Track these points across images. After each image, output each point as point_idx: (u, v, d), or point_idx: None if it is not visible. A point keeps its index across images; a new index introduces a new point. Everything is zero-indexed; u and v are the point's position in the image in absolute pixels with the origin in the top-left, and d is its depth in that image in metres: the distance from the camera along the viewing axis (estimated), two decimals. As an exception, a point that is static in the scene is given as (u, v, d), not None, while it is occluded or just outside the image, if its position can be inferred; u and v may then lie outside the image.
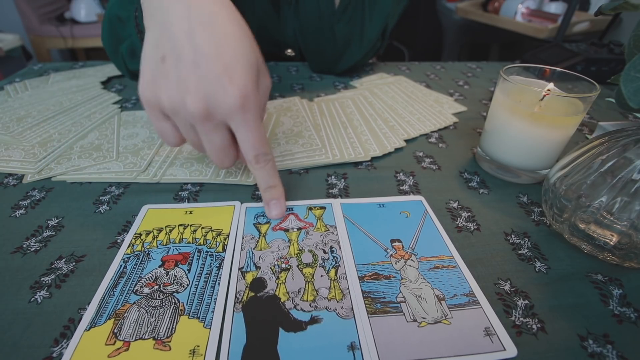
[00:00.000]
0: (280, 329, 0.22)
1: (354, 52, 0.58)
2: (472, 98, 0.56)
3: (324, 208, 0.32)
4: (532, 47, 0.69)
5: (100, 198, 0.33)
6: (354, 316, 0.23)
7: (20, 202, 0.32)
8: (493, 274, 0.27)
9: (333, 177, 0.37)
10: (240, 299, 0.24)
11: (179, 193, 0.34)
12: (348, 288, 0.25)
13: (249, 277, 0.26)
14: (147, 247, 0.28)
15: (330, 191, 0.35)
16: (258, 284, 0.25)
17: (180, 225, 0.30)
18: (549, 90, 0.33)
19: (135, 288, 0.25)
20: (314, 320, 0.23)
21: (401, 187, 0.36)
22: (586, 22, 1.50)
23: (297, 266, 0.26)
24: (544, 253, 0.29)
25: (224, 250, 0.28)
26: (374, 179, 0.37)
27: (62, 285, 0.25)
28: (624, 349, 0.22)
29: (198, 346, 0.21)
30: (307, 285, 0.25)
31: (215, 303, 0.24)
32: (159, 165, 0.37)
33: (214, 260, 0.27)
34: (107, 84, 0.56)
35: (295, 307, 0.24)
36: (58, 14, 1.93)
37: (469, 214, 0.33)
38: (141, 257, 0.27)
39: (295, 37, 0.62)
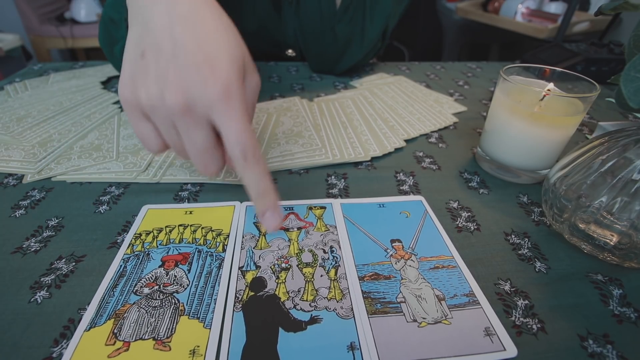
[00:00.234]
0: (280, 328, 0.22)
1: (354, 53, 0.58)
2: (472, 98, 0.56)
3: (324, 208, 0.32)
4: (532, 47, 0.69)
5: (100, 198, 0.33)
6: (354, 316, 0.23)
7: (20, 202, 0.32)
8: (493, 274, 0.27)
9: (333, 177, 0.37)
10: (240, 298, 0.24)
11: (179, 193, 0.34)
12: (348, 288, 0.25)
13: (249, 277, 0.26)
14: (147, 247, 0.28)
15: (330, 191, 0.35)
16: (258, 284, 0.25)
17: (180, 225, 0.30)
18: (549, 90, 0.33)
19: (135, 288, 0.25)
20: (313, 320, 0.23)
21: (401, 187, 0.36)
22: (586, 22, 1.50)
23: (297, 266, 0.26)
24: (544, 253, 0.29)
25: (224, 250, 0.28)
26: (374, 179, 0.37)
27: (62, 286, 0.25)
28: (624, 349, 0.22)
29: (198, 346, 0.21)
30: (307, 285, 0.25)
31: (215, 303, 0.24)
32: (159, 166, 0.37)
33: (214, 260, 0.27)
34: (107, 84, 0.56)
35: (295, 306, 0.24)
36: (58, 14, 1.93)
37: (469, 214, 0.33)
38: (141, 257, 0.27)
39: (296, 38, 0.62)
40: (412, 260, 0.27)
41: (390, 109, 0.50)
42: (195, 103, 0.23)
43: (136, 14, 0.26)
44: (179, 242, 0.28)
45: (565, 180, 0.28)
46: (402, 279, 0.26)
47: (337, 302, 0.24)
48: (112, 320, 0.22)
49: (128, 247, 0.28)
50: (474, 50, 2.19)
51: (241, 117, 0.24)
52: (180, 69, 0.23)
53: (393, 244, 0.28)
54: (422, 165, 0.39)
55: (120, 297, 0.24)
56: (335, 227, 0.30)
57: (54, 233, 0.29)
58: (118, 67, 0.51)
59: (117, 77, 0.58)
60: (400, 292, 0.25)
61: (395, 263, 0.27)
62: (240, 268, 0.26)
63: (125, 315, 0.23)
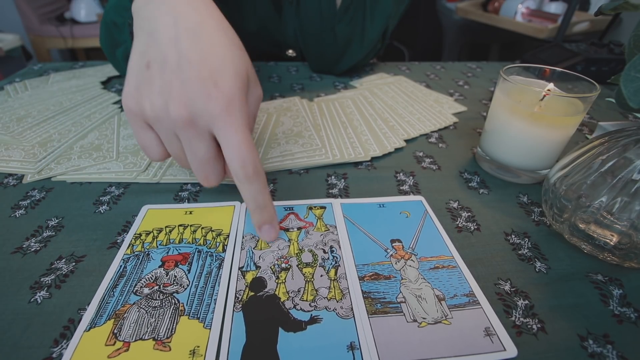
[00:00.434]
0: (280, 328, 0.22)
1: (354, 53, 0.58)
2: (472, 98, 0.56)
3: (324, 208, 0.32)
4: (532, 47, 0.69)
5: (100, 198, 0.33)
6: (354, 316, 0.23)
7: (20, 202, 0.32)
8: (493, 274, 0.27)
9: (333, 177, 0.37)
10: (240, 299, 0.24)
11: (179, 193, 0.34)
12: (348, 288, 0.25)
13: (249, 277, 0.26)
14: (147, 247, 0.28)
15: (330, 191, 0.35)
16: (258, 284, 0.25)
17: (180, 225, 0.30)
18: (549, 90, 0.33)
19: (135, 288, 0.25)
20: (313, 320, 0.23)
21: (401, 187, 0.36)
22: (586, 22, 1.50)
23: (297, 266, 0.26)
24: (544, 253, 0.29)
25: (224, 250, 0.28)
26: (374, 179, 0.37)
27: (62, 286, 0.25)
28: (624, 349, 0.22)
29: (198, 347, 0.21)
30: (306, 285, 0.25)
31: (215, 303, 0.24)
32: (159, 166, 0.37)
33: (214, 260, 0.27)
34: (107, 84, 0.56)
35: (295, 306, 0.24)
36: (58, 14, 1.93)
37: (469, 214, 0.33)
38: (141, 257, 0.27)
39: (296, 38, 0.62)
40: (412, 260, 0.27)
41: (390, 109, 0.50)
42: (198, 116, 0.24)
43: (142, 23, 0.26)
44: (179, 242, 0.28)
45: (565, 180, 0.28)
46: (402, 279, 0.26)
47: (337, 302, 0.24)
48: (112, 320, 0.22)
49: (128, 247, 0.28)
50: (474, 50, 2.19)
51: (241, 132, 0.24)
52: (184, 83, 0.24)
53: (393, 244, 0.28)
54: (422, 165, 0.39)
55: (120, 298, 0.24)
56: (335, 227, 0.30)
57: (54, 233, 0.29)
58: (119, 68, 0.51)
59: (118, 77, 0.58)
60: (400, 292, 0.25)
61: (395, 263, 0.27)
62: (240, 268, 0.26)
63: (125, 316, 0.23)
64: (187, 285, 0.25)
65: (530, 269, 0.27)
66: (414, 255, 0.28)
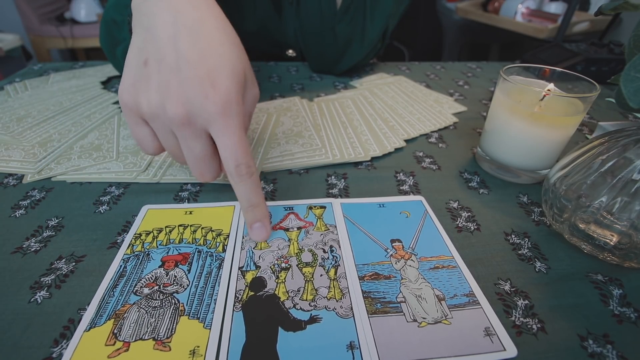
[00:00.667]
0: (280, 328, 0.22)
1: (354, 53, 0.58)
2: (472, 98, 0.56)
3: (324, 207, 0.32)
4: (532, 47, 0.69)
5: (100, 198, 0.33)
6: (353, 316, 0.23)
7: (20, 202, 0.32)
8: (493, 274, 0.27)
9: (333, 177, 0.37)
10: (240, 298, 0.24)
11: (179, 193, 0.34)
12: (347, 287, 0.25)
13: (249, 277, 0.26)
14: (147, 247, 0.28)
15: (330, 191, 0.35)
16: (258, 283, 0.25)
17: (180, 225, 0.30)
18: (549, 90, 0.33)
19: (135, 288, 0.25)
20: (313, 320, 0.23)
21: (401, 187, 0.36)
22: (586, 22, 1.50)
23: (297, 265, 0.26)
24: (544, 253, 0.29)
25: (224, 250, 0.28)
26: (374, 179, 0.37)
27: (62, 286, 0.25)
28: (624, 349, 0.22)
29: (198, 347, 0.21)
30: (306, 284, 0.25)
31: (215, 303, 0.24)
32: (159, 166, 0.37)
33: (214, 260, 0.27)
34: (107, 84, 0.56)
35: (294, 306, 0.24)
36: (58, 14, 1.93)
37: (469, 214, 0.33)
38: (141, 257, 0.27)
39: (296, 38, 0.62)
40: (412, 260, 0.27)
41: (390, 109, 0.50)
42: (195, 116, 0.24)
43: (140, 20, 0.26)
44: (179, 242, 0.28)
45: (565, 180, 0.28)
46: (402, 278, 0.26)
47: (337, 301, 0.24)
48: (112, 320, 0.22)
49: (128, 247, 0.28)
50: (474, 50, 2.19)
51: (237, 132, 0.25)
52: (182, 81, 0.24)
53: (393, 244, 0.28)
54: (422, 165, 0.39)
55: (120, 298, 0.24)
56: (335, 226, 0.30)
57: (54, 233, 0.29)
58: (119, 68, 0.51)
59: (118, 77, 0.58)
60: (400, 292, 0.25)
61: (395, 263, 0.27)
62: (240, 268, 0.26)
63: (125, 316, 0.23)
64: (187, 285, 0.25)
65: (530, 269, 0.27)
66: (414, 255, 0.28)
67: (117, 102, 0.50)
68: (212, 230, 0.29)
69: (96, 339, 0.21)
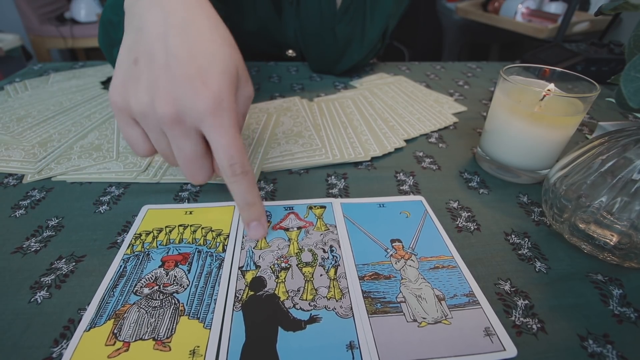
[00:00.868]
0: (280, 328, 0.22)
1: (354, 53, 0.58)
2: (472, 98, 0.56)
3: (324, 207, 0.32)
4: (532, 47, 0.69)
5: (100, 198, 0.33)
6: (353, 315, 0.23)
7: (20, 202, 0.32)
8: (493, 274, 0.27)
9: (333, 177, 0.37)
10: (239, 298, 0.24)
11: (179, 193, 0.34)
12: (347, 287, 0.25)
13: (249, 276, 0.26)
14: (147, 247, 0.28)
15: (330, 191, 0.35)
16: (258, 283, 0.25)
17: (180, 225, 0.30)
18: (549, 90, 0.33)
19: (135, 288, 0.25)
20: (313, 320, 0.23)
21: (401, 187, 0.36)
22: (586, 22, 1.50)
23: (297, 265, 0.26)
24: (544, 253, 0.29)
25: (224, 250, 0.28)
26: (374, 179, 0.37)
27: (62, 286, 0.25)
28: (624, 349, 0.22)
29: (198, 347, 0.21)
30: (306, 284, 0.25)
31: (215, 303, 0.24)
32: (159, 165, 0.37)
33: (214, 260, 0.27)
34: (107, 84, 0.56)
35: (294, 306, 0.24)
36: (58, 14, 1.93)
37: (469, 214, 0.33)
38: (141, 257, 0.27)
39: (296, 38, 0.62)
40: (412, 260, 0.27)
41: (390, 109, 0.50)
42: (185, 114, 0.24)
43: (132, 19, 0.26)
44: (179, 243, 0.28)
45: (565, 180, 0.28)
46: (402, 278, 0.26)
47: (337, 301, 0.24)
48: (112, 320, 0.22)
49: (128, 247, 0.28)
50: (474, 50, 2.19)
51: (230, 131, 0.24)
52: (171, 80, 0.23)
53: (393, 244, 0.28)
54: (422, 165, 0.39)
55: (120, 298, 0.24)
56: (335, 226, 0.30)
57: (54, 233, 0.29)
58: None
59: (117, 77, 0.58)
60: (400, 292, 0.25)
61: (395, 263, 0.27)
62: (240, 268, 0.26)
63: (125, 316, 0.23)
64: (187, 285, 0.25)
65: (530, 269, 0.27)
66: (414, 255, 0.28)
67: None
68: (212, 230, 0.29)
69: (96, 339, 0.21)
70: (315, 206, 0.32)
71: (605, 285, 0.26)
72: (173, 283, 0.25)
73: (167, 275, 0.26)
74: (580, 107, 0.33)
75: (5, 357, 0.21)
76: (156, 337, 0.22)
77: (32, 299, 0.24)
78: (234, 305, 0.24)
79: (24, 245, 0.28)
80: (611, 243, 0.26)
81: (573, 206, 0.27)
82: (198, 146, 0.26)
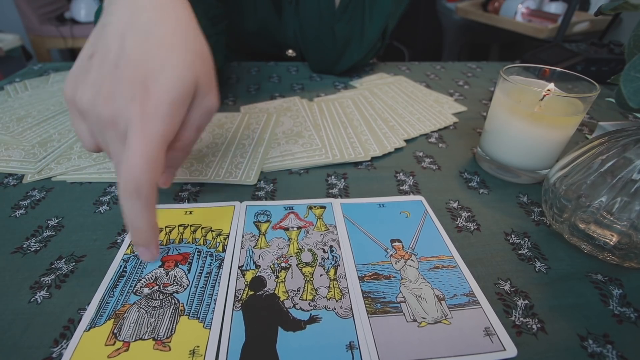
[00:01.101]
0: (279, 327, 0.22)
1: (354, 53, 0.58)
2: (472, 98, 0.56)
3: (324, 207, 0.32)
4: (532, 47, 0.69)
5: (100, 198, 0.33)
6: (353, 316, 0.23)
7: (20, 202, 0.32)
8: (493, 274, 0.27)
9: (333, 177, 0.37)
10: (239, 297, 0.24)
11: (179, 193, 0.34)
12: (347, 287, 0.25)
13: (249, 276, 0.26)
14: (147, 247, 0.28)
15: (330, 191, 0.35)
16: (257, 283, 0.25)
17: (180, 225, 0.30)
18: (549, 90, 0.33)
19: (135, 288, 0.25)
20: (312, 320, 0.23)
21: (401, 187, 0.36)
22: (586, 22, 1.50)
23: (297, 265, 0.26)
24: (544, 253, 0.29)
25: (223, 250, 0.28)
26: (374, 179, 0.37)
27: (62, 286, 0.25)
28: (624, 349, 0.22)
29: (198, 347, 0.21)
30: (306, 284, 0.25)
31: (215, 303, 0.24)
32: (158, 165, 0.37)
33: (214, 260, 0.27)
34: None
35: (294, 306, 0.24)
36: (58, 14, 1.94)
37: (469, 214, 0.33)
38: (141, 257, 0.27)
39: (296, 38, 0.62)
40: (412, 260, 0.27)
41: (390, 109, 0.50)
42: (119, 117, 0.22)
43: (102, 18, 0.25)
44: (179, 242, 0.28)
45: (565, 180, 0.28)
46: (402, 278, 0.26)
47: (337, 301, 0.24)
48: (112, 320, 0.22)
49: (128, 247, 0.28)
50: (474, 50, 2.19)
51: (149, 143, 0.22)
52: (116, 80, 0.22)
53: (393, 244, 0.28)
54: (422, 165, 0.39)
55: (120, 297, 0.24)
56: (335, 226, 0.30)
57: (54, 233, 0.29)
58: None
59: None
60: (400, 292, 0.25)
61: (395, 263, 0.27)
62: (240, 267, 0.26)
63: (125, 316, 0.23)
64: (187, 285, 0.25)
65: (530, 269, 0.27)
66: (414, 255, 0.28)
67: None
68: (212, 230, 0.29)
69: (96, 339, 0.21)
70: (315, 206, 0.32)
71: (605, 285, 0.26)
72: (173, 283, 0.25)
73: (167, 275, 0.26)
74: (580, 107, 0.33)
75: (5, 357, 0.21)
76: (156, 337, 0.22)
77: (32, 299, 0.24)
78: (233, 305, 0.24)
79: (24, 245, 0.28)
80: (611, 243, 0.26)
81: (573, 206, 0.27)
82: None
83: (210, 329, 0.22)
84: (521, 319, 0.24)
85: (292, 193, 0.34)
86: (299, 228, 0.30)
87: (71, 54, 2.10)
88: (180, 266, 0.26)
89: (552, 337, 0.23)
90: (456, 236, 0.30)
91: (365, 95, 0.54)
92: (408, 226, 0.30)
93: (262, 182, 0.36)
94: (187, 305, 0.23)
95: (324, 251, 0.28)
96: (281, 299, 0.24)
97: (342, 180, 0.36)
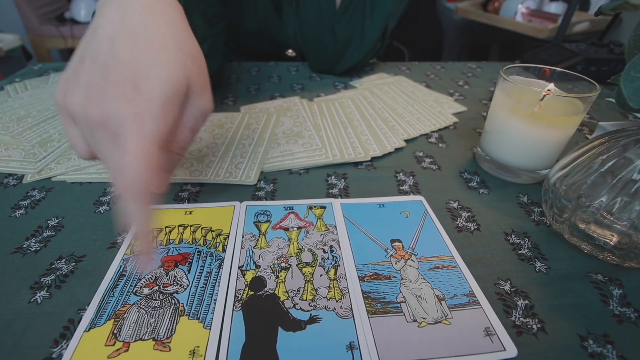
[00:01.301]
0: (280, 328, 0.22)
1: (354, 53, 0.58)
2: (472, 98, 0.56)
3: (324, 207, 0.32)
4: (532, 47, 0.69)
5: (100, 198, 0.33)
6: (353, 316, 0.23)
7: (20, 202, 0.32)
8: (493, 274, 0.27)
9: (333, 177, 0.37)
10: (239, 298, 0.24)
11: (179, 193, 0.34)
12: (347, 288, 0.25)
13: (249, 276, 0.26)
14: (147, 247, 0.28)
15: (330, 191, 0.35)
16: (257, 283, 0.25)
17: (180, 225, 0.30)
18: (549, 90, 0.33)
19: (135, 289, 0.25)
20: (313, 320, 0.23)
21: (401, 187, 0.36)
22: (586, 22, 1.50)
23: (297, 265, 0.26)
24: (544, 253, 0.29)
25: (223, 250, 0.28)
26: (374, 179, 0.37)
27: (62, 286, 0.25)
28: (624, 349, 0.22)
29: (198, 347, 0.21)
30: (306, 284, 0.25)
31: (215, 304, 0.24)
32: (158, 166, 0.37)
33: (214, 260, 0.27)
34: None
35: (294, 306, 0.24)
36: (58, 14, 1.93)
37: (469, 214, 0.33)
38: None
39: (296, 38, 0.62)
40: (412, 260, 0.27)
41: (390, 109, 0.50)
42: (110, 117, 0.22)
43: (94, 21, 0.25)
44: (179, 243, 0.28)
45: (565, 180, 0.28)
46: (402, 279, 0.26)
47: (337, 301, 0.24)
48: (112, 320, 0.22)
49: (128, 248, 0.28)
50: (474, 50, 2.19)
51: (144, 143, 0.22)
52: (105, 81, 0.22)
53: (393, 244, 0.28)
54: (422, 165, 0.39)
55: (120, 298, 0.24)
56: (335, 226, 0.30)
57: (54, 233, 0.29)
58: None
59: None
60: (400, 292, 0.25)
61: (395, 263, 0.27)
62: (240, 267, 0.26)
63: (125, 316, 0.23)
64: (187, 286, 0.25)
65: (530, 269, 0.27)
66: (414, 255, 0.28)
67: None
68: (212, 231, 0.29)
69: (96, 339, 0.21)
70: (315, 206, 0.32)
71: (605, 285, 0.26)
72: (173, 283, 0.25)
73: (167, 276, 0.26)
74: (580, 107, 0.33)
75: (5, 357, 0.21)
76: (156, 338, 0.22)
77: (32, 299, 0.24)
78: (233, 305, 0.24)
79: (24, 245, 0.28)
80: (611, 243, 0.26)
81: (573, 206, 0.27)
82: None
83: (210, 329, 0.22)
84: (521, 319, 0.24)
85: (292, 193, 0.34)
86: (299, 228, 0.30)
87: (71, 54, 2.09)
88: (180, 266, 0.26)
89: (552, 337, 0.23)
90: (456, 236, 0.30)
91: (365, 95, 0.54)
92: (408, 226, 0.30)
93: (262, 182, 0.36)
94: (187, 305, 0.23)
95: (324, 251, 0.28)
96: (281, 299, 0.24)
97: (342, 180, 0.36)
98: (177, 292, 0.24)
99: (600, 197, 0.25)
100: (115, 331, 0.22)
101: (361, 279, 0.26)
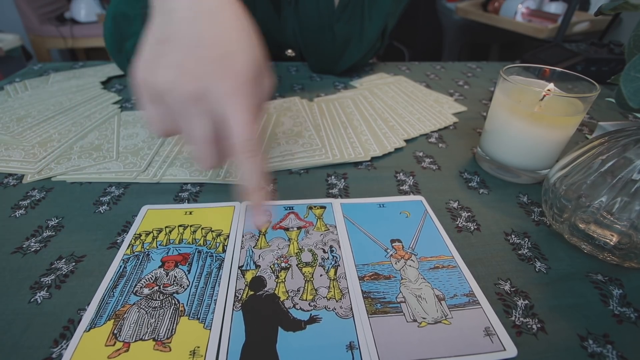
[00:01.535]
0: (280, 328, 0.22)
1: (353, 52, 0.58)
2: (472, 98, 0.56)
3: (324, 207, 0.32)
4: (532, 47, 0.69)
5: (100, 198, 0.33)
6: (353, 316, 0.23)
7: (20, 202, 0.32)
8: (493, 274, 0.27)
9: (333, 177, 0.37)
10: (239, 297, 0.24)
11: (179, 193, 0.34)
12: (347, 288, 0.25)
13: (249, 276, 0.26)
14: (147, 247, 0.28)
15: (330, 191, 0.35)
16: (257, 283, 0.25)
17: (180, 225, 0.30)
18: (549, 90, 0.33)
19: (135, 289, 0.25)
20: (313, 320, 0.23)
21: (401, 187, 0.36)
22: (586, 22, 1.50)
23: (297, 265, 0.26)
24: (544, 253, 0.29)
25: (224, 250, 0.28)
26: (374, 179, 0.37)
27: (61, 286, 0.25)
28: (624, 349, 0.22)
29: (198, 347, 0.21)
30: (306, 284, 0.25)
31: (215, 304, 0.24)
32: (159, 165, 0.37)
33: (214, 261, 0.27)
34: (107, 84, 0.56)
35: (294, 306, 0.24)
36: (58, 14, 1.93)
37: (469, 214, 0.33)
38: (141, 257, 0.27)
39: (296, 38, 0.62)
40: (412, 260, 0.27)
41: (390, 109, 0.50)
42: (208, 93, 0.24)
43: (161, 7, 0.26)
44: (179, 243, 0.28)
45: (565, 180, 0.28)
46: (402, 279, 0.26)
47: (337, 301, 0.24)
48: (112, 320, 0.22)
49: (128, 248, 0.28)
50: (474, 50, 2.19)
51: (248, 113, 0.25)
52: (199, 60, 0.24)
53: (393, 244, 0.28)
54: (422, 165, 0.39)
55: (120, 298, 0.24)
56: (335, 226, 0.30)
57: (54, 233, 0.29)
58: (124, 64, 0.50)
59: (118, 77, 0.58)
60: (400, 292, 0.25)
61: (395, 263, 0.27)
62: (240, 267, 0.26)
63: (125, 316, 0.23)
64: (187, 286, 0.25)
65: (530, 269, 0.27)
66: (414, 255, 0.28)
67: (117, 102, 0.50)
68: (212, 231, 0.29)
69: (96, 340, 0.21)
70: (315, 206, 0.32)
71: (605, 285, 0.26)
72: (173, 283, 0.25)
73: (167, 276, 0.26)
74: (580, 107, 0.33)
75: (5, 357, 0.21)
76: (156, 338, 0.22)
77: (32, 299, 0.24)
78: (233, 305, 0.24)
79: (24, 245, 0.28)
80: (611, 243, 0.26)
81: (573, 206, 0.27)
82: (209, 129, 0.26)
83: (210, 329, 0.22)
84: (521, 319, 0.24)
85: (292, 193, 0.34)
86: (299, 228, 0.30)
87: (71, 54, 2.10)
88: (180, 266, 0.26)
89: (552, 337, 0.23)
90: (456, 236, 0.30)
91: (365, 95, 0.54)
92: (408, 226, 0.30)
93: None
94: (187, 305, 0.23)
95: (324, 251, 0.28)
96: (281, 299, 0.24)
97: (342, 180, 0.36)
98: (177, 293, 0.24)
99: (600, 197, 0.25)
100: (115, 331, 0.22)
101: (361, 279, 0.26)
